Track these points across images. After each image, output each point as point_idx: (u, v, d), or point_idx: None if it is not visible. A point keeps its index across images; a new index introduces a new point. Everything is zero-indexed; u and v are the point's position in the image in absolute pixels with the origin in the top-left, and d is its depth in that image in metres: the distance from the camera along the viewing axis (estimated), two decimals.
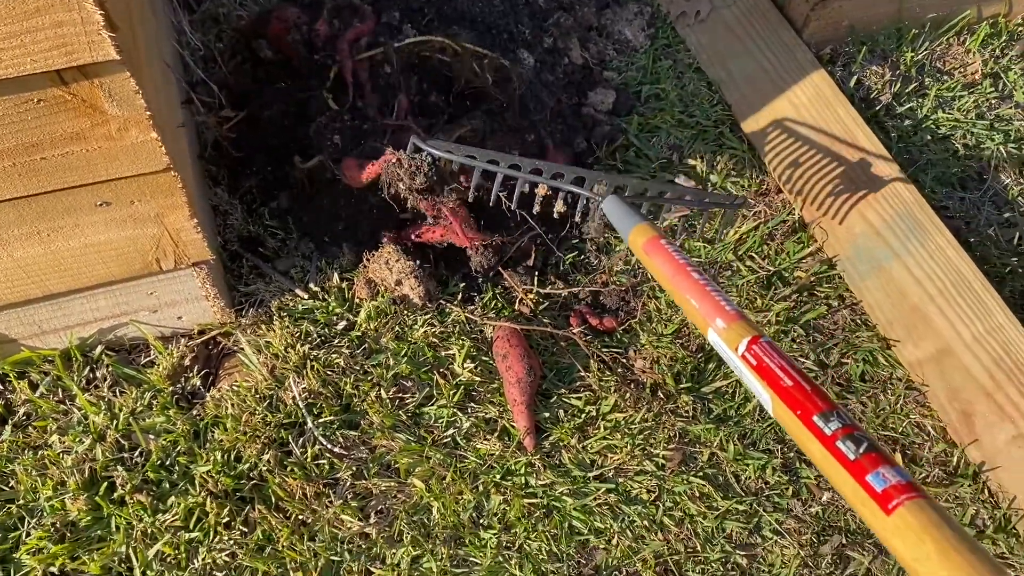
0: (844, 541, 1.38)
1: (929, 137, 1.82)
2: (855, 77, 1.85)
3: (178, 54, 1.59)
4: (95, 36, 0.94)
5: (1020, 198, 1.76)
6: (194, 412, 1.39)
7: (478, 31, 1.71)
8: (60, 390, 1.39)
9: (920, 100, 1.86)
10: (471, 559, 1.33)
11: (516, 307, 1.55)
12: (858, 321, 1.60)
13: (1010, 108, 1.87)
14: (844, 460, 0.78)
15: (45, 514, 1.28)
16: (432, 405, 1.44)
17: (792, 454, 1.45)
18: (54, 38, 0.93)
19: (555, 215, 1.39)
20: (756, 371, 0.93)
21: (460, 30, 1.68)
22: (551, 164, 1.36)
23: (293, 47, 1.67)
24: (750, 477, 1.42)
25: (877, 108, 1.82)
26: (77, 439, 1.34)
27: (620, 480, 1.41)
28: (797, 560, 1.36)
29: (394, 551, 1.32)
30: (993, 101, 1.88)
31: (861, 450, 0.78)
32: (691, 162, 1.77)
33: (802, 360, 1.54)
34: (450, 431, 1.42)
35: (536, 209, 1.41)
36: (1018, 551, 1.38)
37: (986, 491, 1.43)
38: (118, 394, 1.39)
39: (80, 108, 1.03)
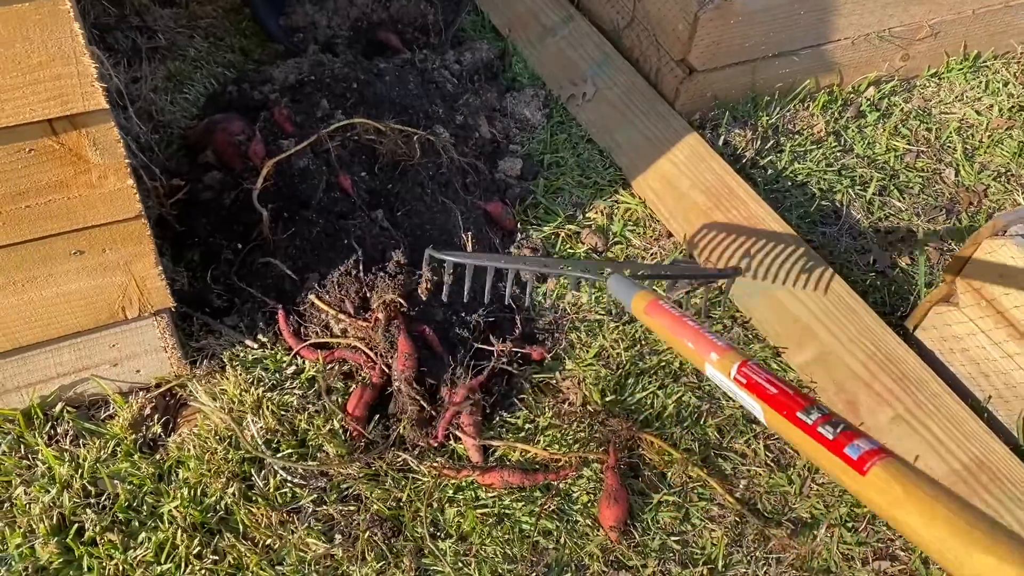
0: (760, 523, 1.55)
1: (790, 184, 2.12)
2: (722, 138, 2.16)
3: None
4: (88, 87, 1.09)
5: (870, 229, 2.07)
6: (157, 456, 1.46)
7: (397, 112, 1.93)
8: (23, 447, 1.44)
9: (778, 155, 2.17)
10: (433, 568, 1.42)
11: None
12: (750, 336, 1.82)
13: (852, 159, 2.21)
14: (825, 441, 0.93)
15: (15, 562, 1.31)
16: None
17: (711, 452, 1.63)
18: (53, 89, 1.08)
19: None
20: (747, 388, 1.05)
21: (383, 111, 1.90)
22: (555, 260, 1.74)
23: (233, 157, 1.86)
24: (676, 474, 1.58)
25: (744, 162, 2.13)
26: (43, 489, 1.38)
27: (562, 485, 1.54)
28: (724, 540, 1.51)
29: (360, 568, 1.40)
30: (838, 154, 2.22)
31: (838, 431, 0.93)
32: (592, 215, 2.01)
33: None
34: (402, 456, 1.54)
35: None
36: None
37: None
38: (81, 446, 1.44)
39: (66, 157, 1.16)
